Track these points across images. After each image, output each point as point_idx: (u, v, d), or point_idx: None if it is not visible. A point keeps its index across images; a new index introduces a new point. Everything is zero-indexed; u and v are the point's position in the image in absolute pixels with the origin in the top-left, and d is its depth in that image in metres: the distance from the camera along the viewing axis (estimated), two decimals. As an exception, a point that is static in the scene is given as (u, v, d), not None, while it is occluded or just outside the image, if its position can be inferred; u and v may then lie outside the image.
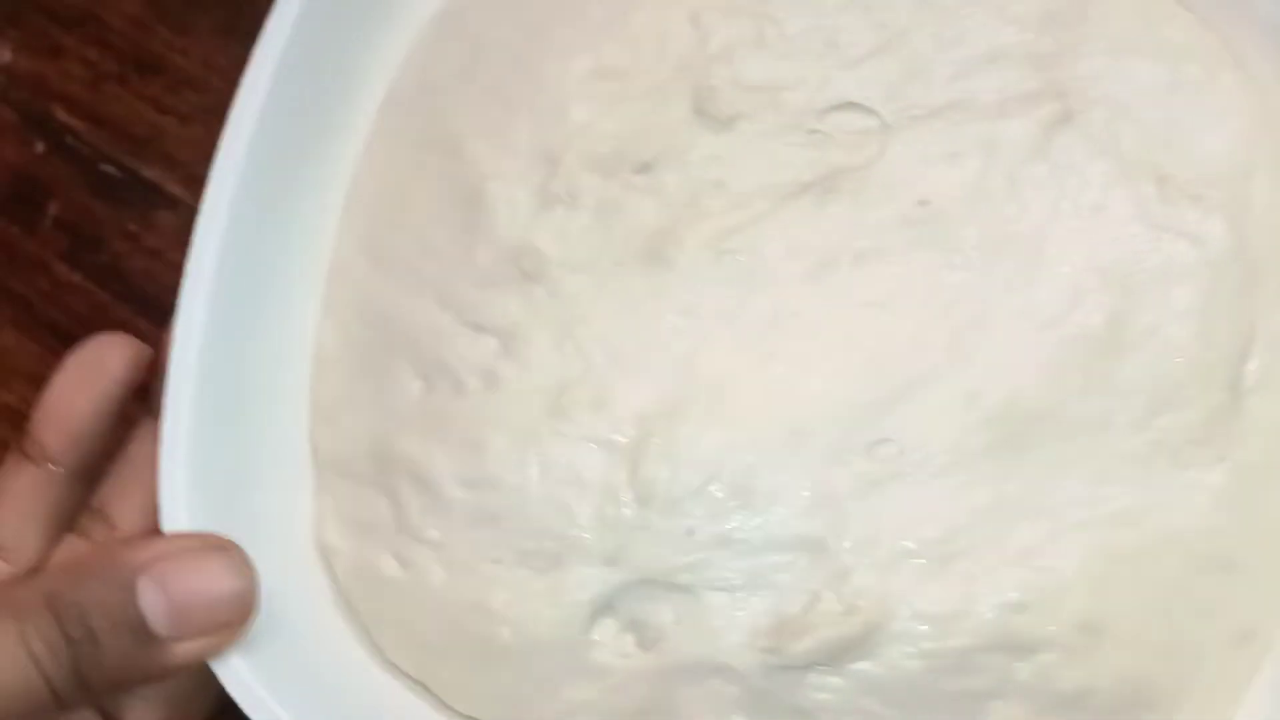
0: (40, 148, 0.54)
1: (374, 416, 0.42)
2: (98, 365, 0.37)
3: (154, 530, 0.37)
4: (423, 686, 0.41)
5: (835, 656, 0.38)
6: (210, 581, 0.32)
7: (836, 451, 0.39)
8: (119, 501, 0.37)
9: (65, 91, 0.55)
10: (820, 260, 0.41)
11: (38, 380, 0.39)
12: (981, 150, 0.42)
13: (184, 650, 0.31)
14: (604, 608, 0.39)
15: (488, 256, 0.42)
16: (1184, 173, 0.42)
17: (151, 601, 0.30)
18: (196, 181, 0.44)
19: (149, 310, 0.49)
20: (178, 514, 0.37)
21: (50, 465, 0.37)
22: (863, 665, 0.38)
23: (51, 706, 0.29)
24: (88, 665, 0.29)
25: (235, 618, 0.32)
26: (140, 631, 0.30)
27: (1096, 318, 0.40)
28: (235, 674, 0.36)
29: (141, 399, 0.40)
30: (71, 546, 0.37)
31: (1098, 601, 0.38)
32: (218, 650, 0.32)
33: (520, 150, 0.43)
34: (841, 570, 0.38)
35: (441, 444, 0.40)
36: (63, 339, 0.50)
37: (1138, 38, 0.44)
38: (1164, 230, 0.41)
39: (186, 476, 0.38)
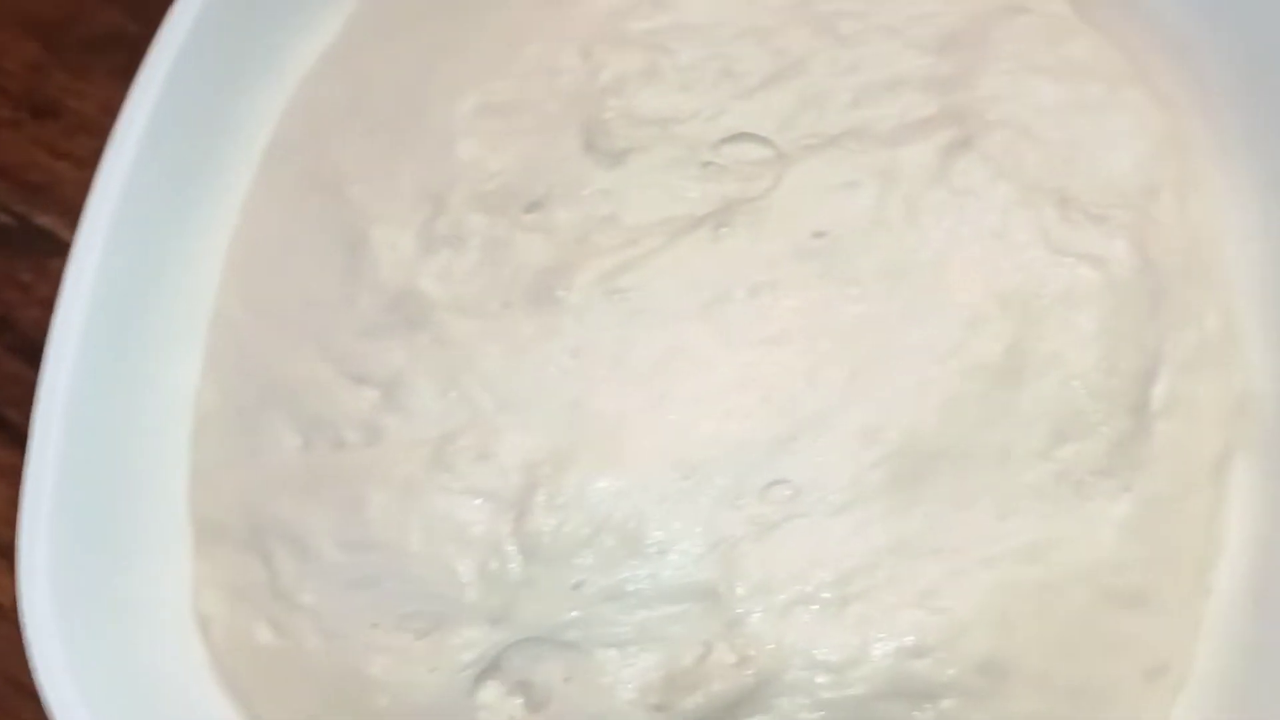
0: (-69, 195, 0.53)
1: (251, 476, 0.40)
2: None
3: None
4: (304, 756, 0.39)
5: (728, 710, 0.36)
6: None
7: (730, 495, 0.38)
8: None
9: (-44, 137, 0.54)
10: (715, 296, 0.40)
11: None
12: (878, 178, 0.41)
13: None
14: (490, 669, 0.37)
15: (370, 303, 0.41)
16: (1088, 193, 0.41)
17: None
18: (93, 229, 0.44)
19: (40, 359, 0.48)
20: (35, 593, 0.36)
21: None
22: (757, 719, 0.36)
23: None
24: None
25: None
26: None
27: (996, 347, 0.39)
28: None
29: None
30: None
31: (1000, 642, 0.37)
32: None
33: (404, 191, 0.42)
34: (735, 619, 0.37)
35: (318, 504, 0.39)
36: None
37: (1039, 57, 0.44)
38: (1066, 254, 0.40)
39: (48, 551, 0.37)
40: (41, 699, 0.36)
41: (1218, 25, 0.43)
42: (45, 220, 0.52)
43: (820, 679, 0.36)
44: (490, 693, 0.38)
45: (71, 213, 0.49)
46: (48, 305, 0.48)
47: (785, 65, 0.43)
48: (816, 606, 0.37)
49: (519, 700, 0.38)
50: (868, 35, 0.44)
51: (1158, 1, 0.44)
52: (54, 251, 0.50)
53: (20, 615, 0.36)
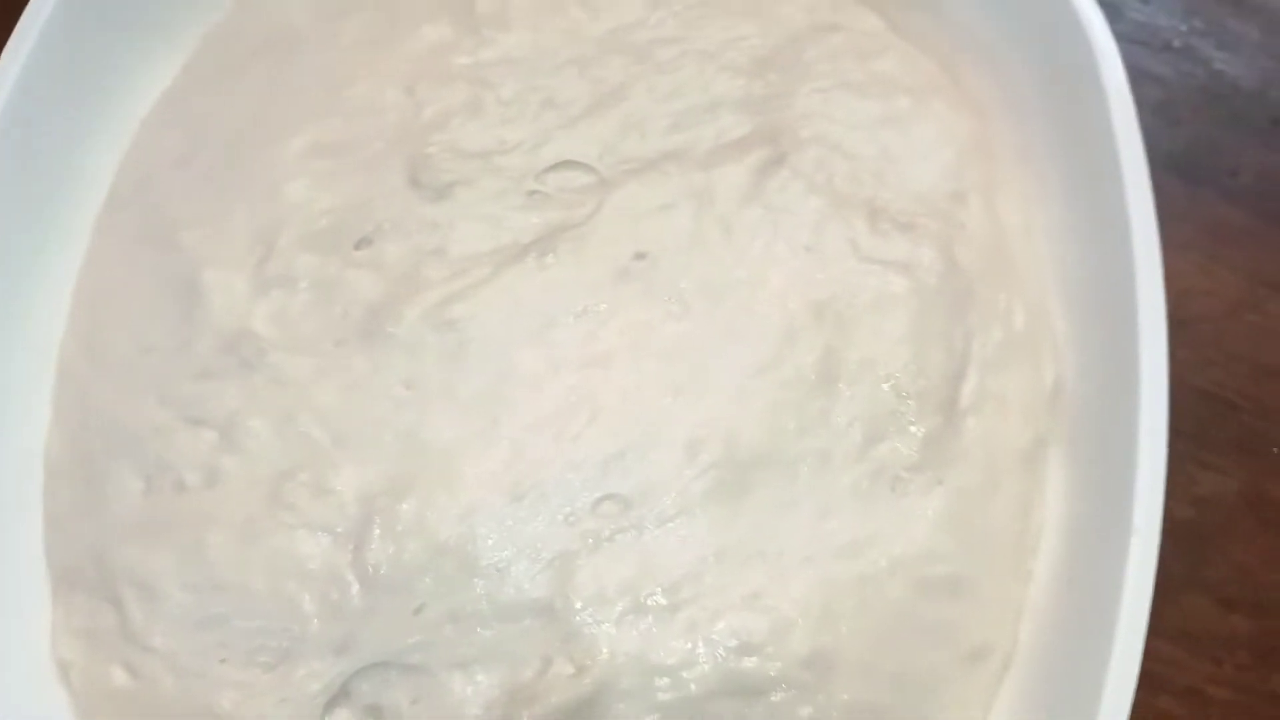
0: None
1: (99, 523, 0.41)
2: None
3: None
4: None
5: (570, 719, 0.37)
6: None
7: (563, 513, 0.39)
8: None
9: None
10: (542, 322, 0.41)
11: None
12: (694, 199, 0.43)
13: None
14: (338, 697, 0.38)
15: (206, 347, 0.42)
16: (896, 203, 0.44)
17: None
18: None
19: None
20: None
21: None
22: None
23: None
24: None
25: None
26: None
27: (810, 357, 0.41)
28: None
29: None
30: None
31: (823, 636, 0.38)
32: None
33: (237, 234, 0.43)
34: (572, 631, 0.38)
35: (163, 547, 0.40)
36: None
37: (850, 74, 0.46)
38: (875, 263, 0.43)
39: None
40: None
41: (1022, 34, 0.45)
42: None
43: (655, 683, 0.38)
44: (340, 719, 0.38)
45: None
46: None
47: (605, 93, 0.45)
48: (649, 614, 0.38)
49: None
50: (684, 61, 0.46)
51: (967, 14, 0.46)
52: None
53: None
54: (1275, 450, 0.49)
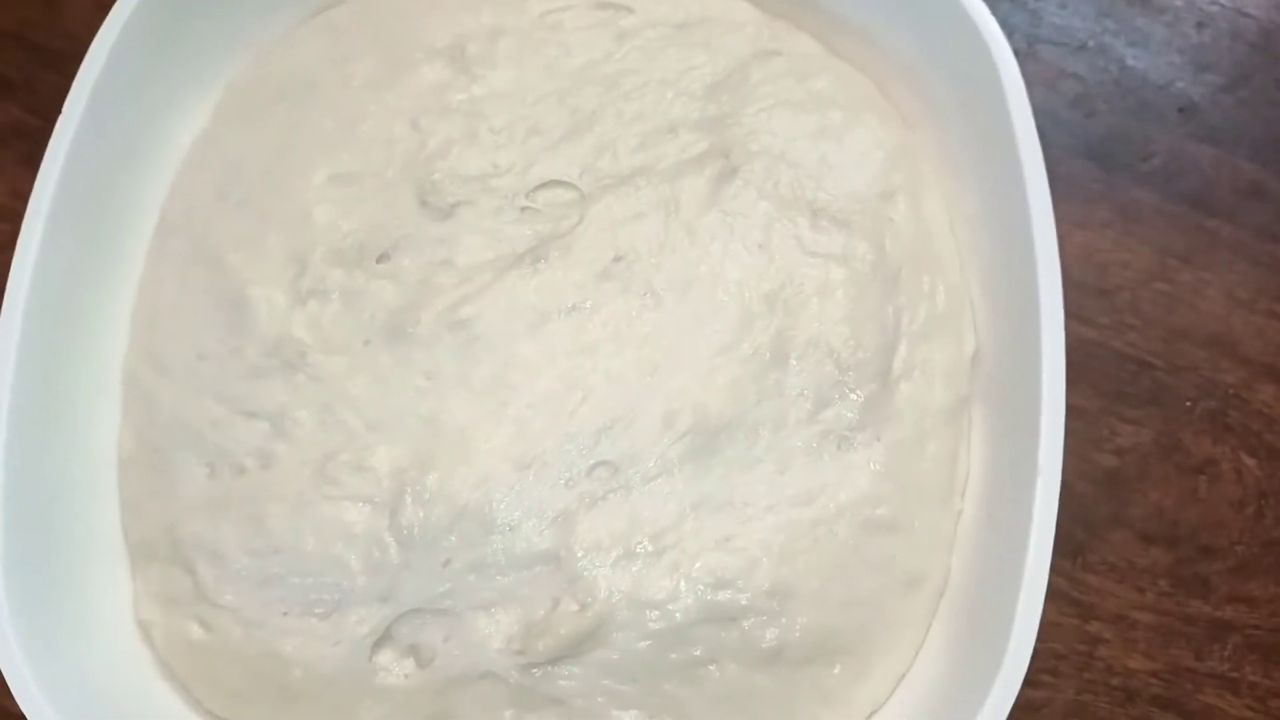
0: None
1: (169, 504, 0.46)
2: None
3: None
4: (241, 727, 0.46)
5: (576, 647, 0.44)
6: None
7: (562, 478, 0.45)
8: None
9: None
10: (538, 318, 0.47)
11: None
12: (662, 208, 0.48)
13: None
14: (383, 639, 0.44)
15: (254, 352, 0.47)
16: (834, 203, 0.49)
17: None
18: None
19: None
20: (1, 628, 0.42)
21: None
22: (600, 653, 0.44)
23: None
24: None
25: None
26: None
27: (765, 338, 0.46)
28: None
29: None
30: None
31: (783, 570, 0.44)
32: None
33: (274, 255, 0.49)
34: (575, 575, 0.44)
35: (227, 521, 0.45)
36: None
37: (790, 94, 0.51)
38: (817, 255, 0.48)
39: (5, 591, 0.43)
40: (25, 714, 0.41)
41: (941, 56, 0.50)
42: None
43: (647, 615, 0.44)
44: (386, 657, 0.44)
45: None
46: None
47: (581, 120, 0.50)
48: (639, 559, 0.44)
49: (410, 660, 0.44)
50: (647, 89, 0.51)
51: (894, 38, 0.51)
52: None
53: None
54: (1186, 403, 0.53)
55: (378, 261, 0.48)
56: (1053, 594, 0.42)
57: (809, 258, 0.48)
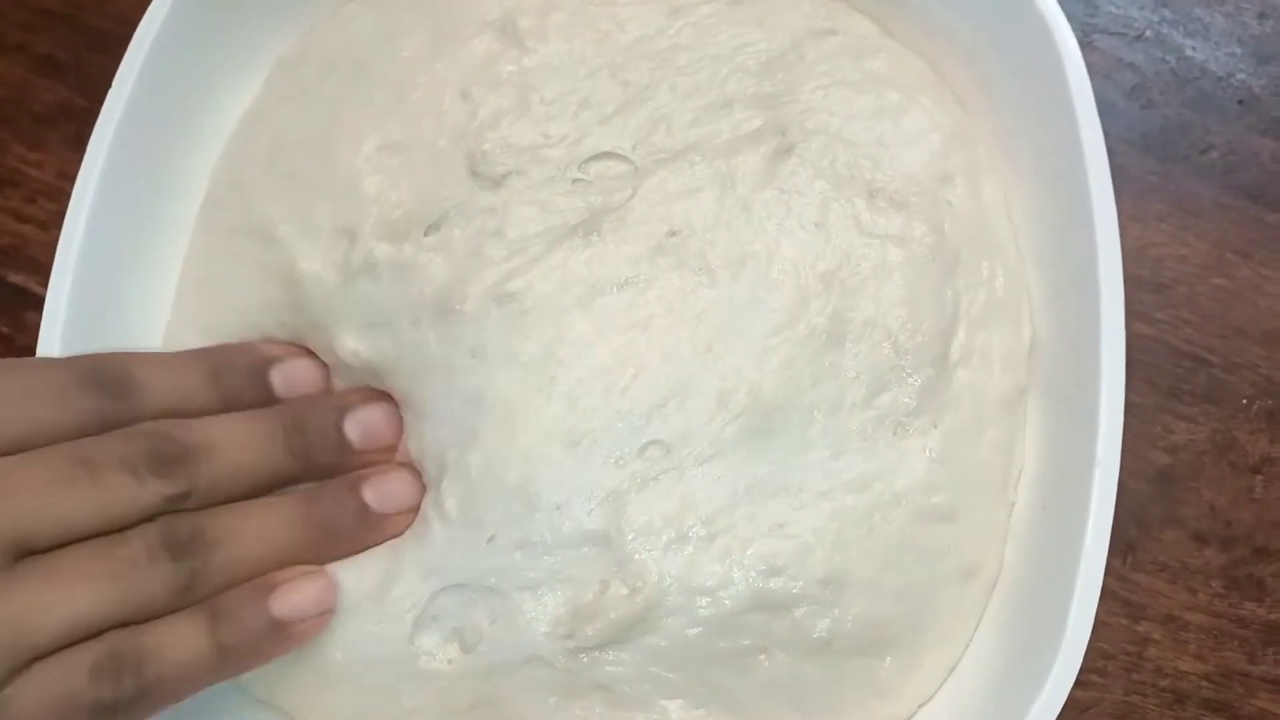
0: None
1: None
2: None
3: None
4: (278, 709, 0.44)
5: (624, 634, 0.41)
6: (382, 422, 0.43)
7: (613, 456, 0.42)
8: None
9: (-69, 209, 0.57)
10: (589, 291, 0.44)
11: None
12: (717, 183, 0.46)
13: (363, 459, 0.41)
14: (427, 620, 0.42)
15: (313, 342, 0.46)
16: (891, 184, 0.46)
17: (351, 427, 0.41)
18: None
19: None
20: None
21: None
22: (648, 639, 0.41)
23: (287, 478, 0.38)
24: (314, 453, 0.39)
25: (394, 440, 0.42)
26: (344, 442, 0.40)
27: (821, 319, 0.44)
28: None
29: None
30: None
31: (837, 558, 0.42)
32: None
33: (323, 228, 0.46)
34: (625, 558, 0.41)
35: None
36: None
37: (847, 72, 0.48)
38: (874, 236, 0.45)
39: None
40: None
41: (999, 36, 0.48)
42: (18, 278, 0.55)
43: (697, 601, 0.41)
44: (429, 640, 0.42)
45: (41, 270, 0.54)
46: (28, 353, 0.52)
47: (634, 94, 0.47)
48: (690, 543, 0.42)
49: (455, 644, 0.42)
50: (701, 64, 0.48)
51: (950, 19, 0.49)
52: (29, 306, 0.53)
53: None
54: (1243, 401, 0.51)
55: (426, 234, 0.45)
56: (1102, 593, 0.40)
57: (866, 238, 0.45)
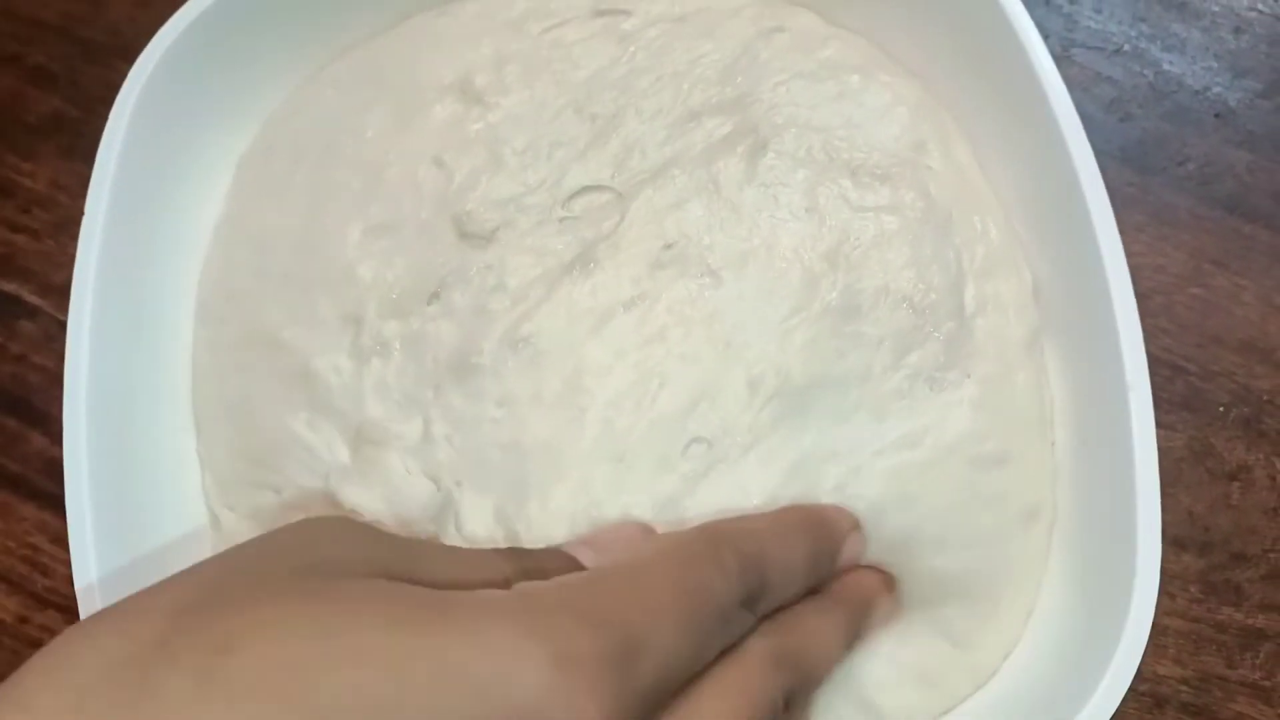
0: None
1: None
2: None
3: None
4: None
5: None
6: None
7: (660, 463, 0.43)
8: None
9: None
10: (599, 319, 0.45)
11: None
12: (702, 191, 0.47)
13: None
14: None
15: (337, 441, 0.47)
16: (870, 160, 0.48)
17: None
18: (53, 290, 0.50)
19: (18, 409, 0.53)
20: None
21: None
22: None
23: None
24: None
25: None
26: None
27: (834, 294, 0.44)
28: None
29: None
30: None
31: (906, 516, 0.42)
32: None
33: (327, 321, 0.47)
34: None
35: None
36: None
37: (802, 64, 0.50)
38: (866, 210, 0.46)
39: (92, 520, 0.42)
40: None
41: (934, 12, 0.50)
42: (10, 287, 0.55)
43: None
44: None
45: (32, 278, 0.55)
46: (20, 360, 0.54)
47: (603, 125, 0.49)
48: (755, 525, 0.41)
49: None
50: (661, 84, 0.49)
51: (893, 6, 0.51)
52: (21, 314, 0.54)
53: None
54: (1220, 409, 0.51)
55: (428, 304, 0.46)
56: None
57: (859, 213, 0.46)
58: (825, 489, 0.42)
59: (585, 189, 0.48)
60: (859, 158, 0.47)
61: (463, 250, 0.47)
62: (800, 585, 0.36)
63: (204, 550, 0.46)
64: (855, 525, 0.40)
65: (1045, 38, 0.46)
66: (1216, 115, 0.58)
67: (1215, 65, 0.59)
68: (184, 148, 0.50)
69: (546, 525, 0.42)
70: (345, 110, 0.51)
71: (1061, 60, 0.46)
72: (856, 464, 0.42)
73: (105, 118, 0.47)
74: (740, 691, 0.29)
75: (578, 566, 0.36)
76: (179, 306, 0.50)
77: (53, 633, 0.50)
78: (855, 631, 0.38)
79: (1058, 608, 0.44)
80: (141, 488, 0.46)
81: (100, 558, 0.42)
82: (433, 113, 0.50)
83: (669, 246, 0.45)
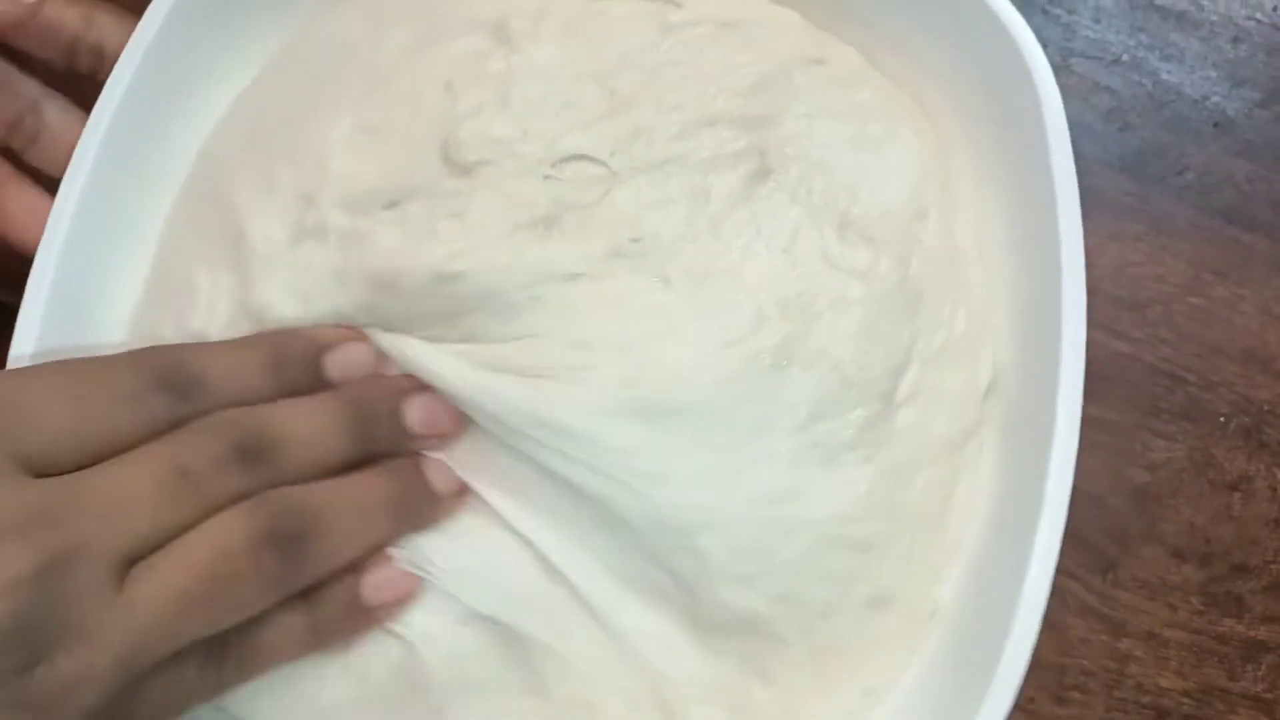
0: None
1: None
2: None
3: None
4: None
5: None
6: (437, 406, 0.42)
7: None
8: None
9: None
10: (531, 278, 0.45)
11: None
12: (691, 198, 0.46)
13: (421, 444, 0.41)
14: None
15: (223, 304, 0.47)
16: (864, 217, 0.47)
17: (410, 412, 0.41)
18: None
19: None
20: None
21: None
22: None
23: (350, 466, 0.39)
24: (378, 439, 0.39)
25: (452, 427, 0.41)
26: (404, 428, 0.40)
27: (772, 341, 0.44)
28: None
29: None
30: None
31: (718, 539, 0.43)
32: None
33: (282, 193, 0.47)
34: None
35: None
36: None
37: (832, 102, 0.49)
38: (838, 268, 0.46)
39: None
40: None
41: (982, 78, 0.48)
42: None
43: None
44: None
45: None
46: None
47: (619, 103, 0.48)
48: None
49: None
50: (689, 81, 0.49)
51: (936, 56, 0.50)
52: None
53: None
54: (1220, 419, 0.52)
55: (385, 209, 0.46)
56: (1083, 610, 0.45)
57: (831, 270, 0.45)
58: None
59: (580, 157, 0.47)
60: (855, 212, 0.46)
61: (440, 172, 0.46)
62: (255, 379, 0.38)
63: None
64: (346, 337, 0.41)
65: (1043, 47, 0.45)
66: (1215, 125, 0.58)
67: (1214, 75, 0.59)
68: (219, 39, 0.52)
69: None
70: (374, 24, 0.51)
71: (1060, 70, 0.46)
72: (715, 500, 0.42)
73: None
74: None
75: None
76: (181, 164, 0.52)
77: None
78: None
79: (915, 700, 0.44)
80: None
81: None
82: (457, 43, 0.50)
83: (636, 240, 0.45)
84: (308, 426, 0.37)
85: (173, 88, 0.50)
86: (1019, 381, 0.45)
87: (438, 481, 0.39)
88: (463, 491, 0.40)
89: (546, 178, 0.47)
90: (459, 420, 0.41)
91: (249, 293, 0.46)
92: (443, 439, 0.41)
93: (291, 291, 0.45)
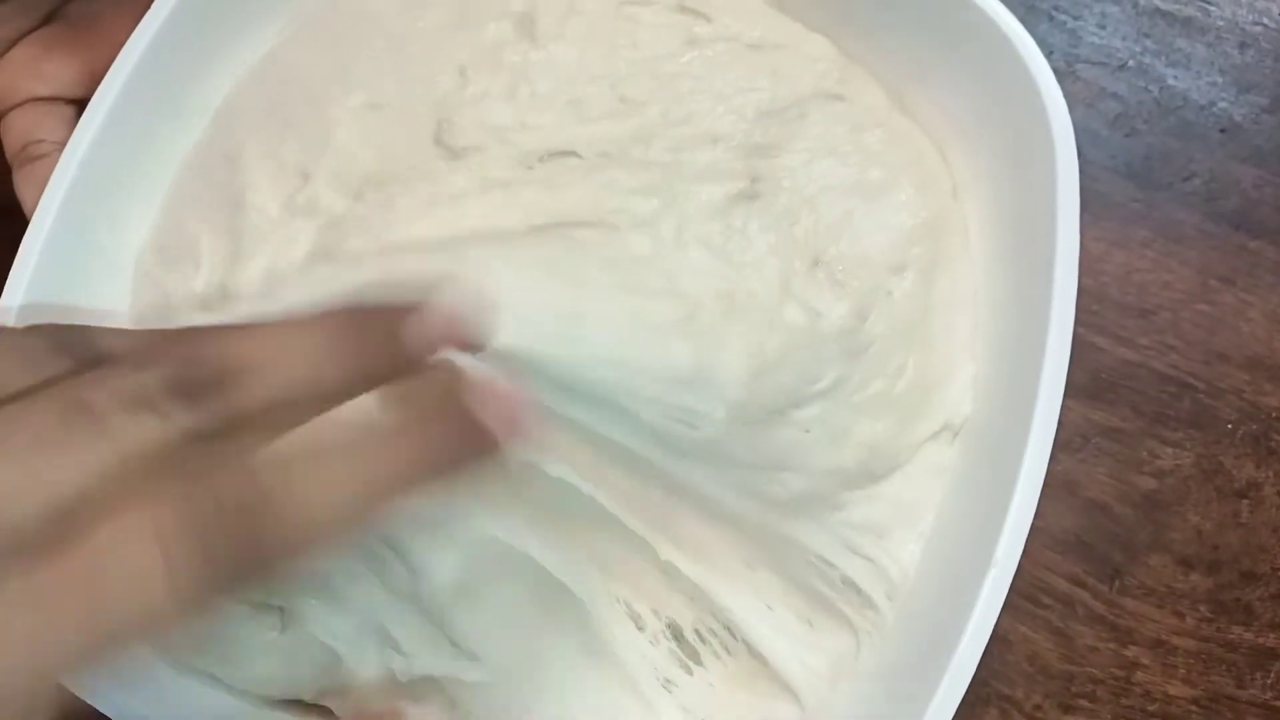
0: None
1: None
2: None
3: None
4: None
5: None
6: None
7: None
8: None
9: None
10: (455, 235, 0.45)
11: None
12: (664, 194, 0.46)
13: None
14: None
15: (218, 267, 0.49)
16: (839, 260, 0.46)
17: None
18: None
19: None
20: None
21: None
22: None
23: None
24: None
25: None
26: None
27: (675, 315, 0.44)
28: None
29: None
30: None
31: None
32: None
33: (285, 165, 0.49)
34: None
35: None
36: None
37: (839, 142, 0.48)
38: (792, 298, 0.45)
39: None
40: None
41: (1002, 125, 0.46)
42: None
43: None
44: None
45: None
46: None
47: (626, 107, 0.48)
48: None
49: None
50: (701, 97, 0.49)
51: (960, 102, 0.48)
52: None
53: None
54: (1228, 426, 0.52)
55: (373, 190, 0.47)
56: (1090, 618, 0.46)
57: (784, 295, 0.45)
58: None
59: (571, 154, 0.48)
60: (831, 252, 0.46)
61: (431, 155, 0.48)
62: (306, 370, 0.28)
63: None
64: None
65: (1049, 53, 0.45)
66: (1222, 130, 0.57)
67: (1220, 80, 0.58)
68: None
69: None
70: (411, 1, 0.52)
71: (1066, 76, 0.46)
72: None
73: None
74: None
75: None
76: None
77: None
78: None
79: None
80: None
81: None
82: (485, 29, 0.51)
83: (586, 224, 0.45)
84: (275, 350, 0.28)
85: (198, 43, 0.51)
86: (985, 429, 0.44)
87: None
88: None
89: (530, 169, 0.48)
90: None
91: (233, 267, 0.48)
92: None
93: (268, 275, 0.47)
